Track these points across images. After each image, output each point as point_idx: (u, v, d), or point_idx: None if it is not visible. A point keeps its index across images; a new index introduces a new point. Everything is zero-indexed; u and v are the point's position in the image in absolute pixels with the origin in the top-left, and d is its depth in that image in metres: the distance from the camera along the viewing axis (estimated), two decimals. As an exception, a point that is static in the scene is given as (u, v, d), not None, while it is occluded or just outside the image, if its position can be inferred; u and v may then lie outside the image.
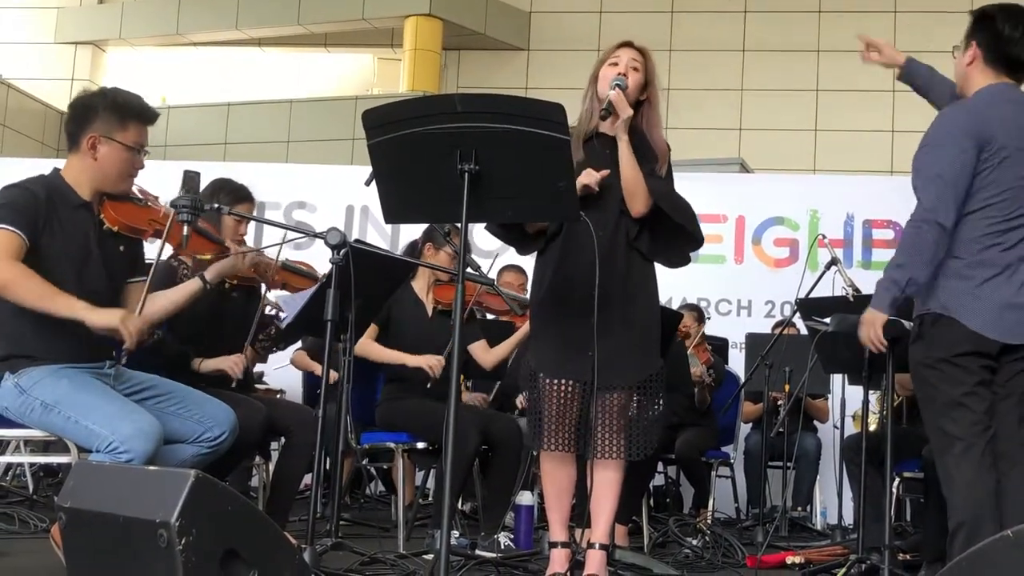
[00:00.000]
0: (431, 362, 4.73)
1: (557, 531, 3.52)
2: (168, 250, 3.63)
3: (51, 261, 3.21)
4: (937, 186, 3.19)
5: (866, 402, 4.40)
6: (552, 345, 3.48)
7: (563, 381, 3.44)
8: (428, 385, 4.70)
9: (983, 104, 3.29)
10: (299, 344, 6.24)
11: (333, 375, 3.93)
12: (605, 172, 3.41)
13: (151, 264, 3.48)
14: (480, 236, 7.06)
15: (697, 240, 3.55)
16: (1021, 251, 3.22)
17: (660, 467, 6.38)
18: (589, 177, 3.38)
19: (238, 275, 3.87)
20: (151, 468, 2.80)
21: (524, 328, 5.00)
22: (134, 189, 3.48)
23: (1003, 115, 3.26)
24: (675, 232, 3.49)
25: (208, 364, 4.08)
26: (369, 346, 4.83)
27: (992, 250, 3.22)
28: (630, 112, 3.42)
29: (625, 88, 3.44)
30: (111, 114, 3.33)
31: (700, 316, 6.40)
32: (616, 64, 3.52)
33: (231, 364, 4.06)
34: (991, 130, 3.22)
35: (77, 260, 3.28)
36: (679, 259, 3.61)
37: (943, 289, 3.25)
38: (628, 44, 3.58)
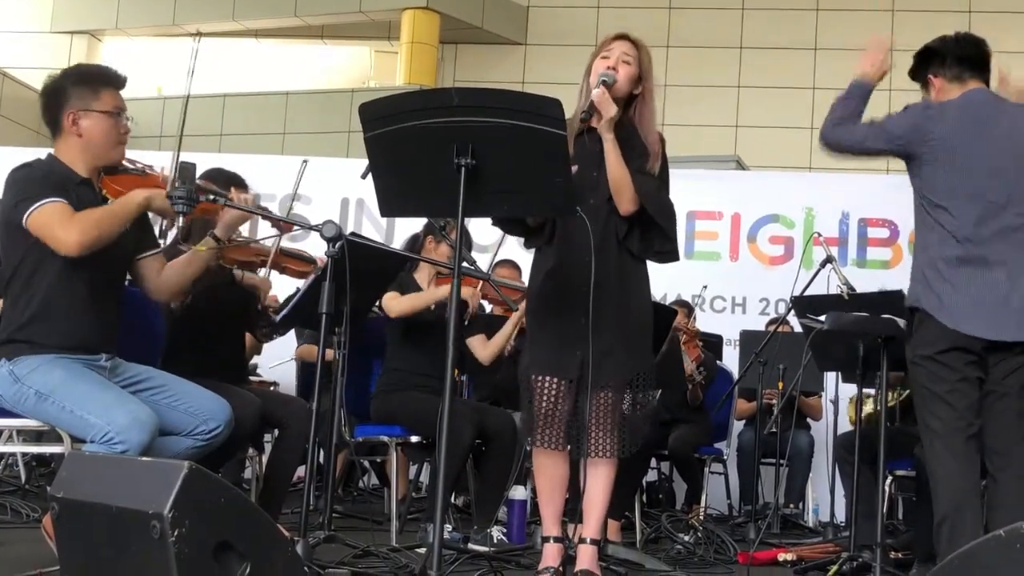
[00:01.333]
0: (466, 293, 4.74)
1: (550, 526, 3.52)
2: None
3: None
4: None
5: (859, 399, 4.41)
6: (544, 343, 3.49)
7: (552, 379, 3.44)
8: (466, 323, 4.72)
9: (946, 108, 3.44)
10: (291, 339, 6.23)
11: (329, 353, 3.93)
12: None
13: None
14: (477, 231, 7.06)
15: (671, 242, 3.51)
16: (989, 247, 3.25)
17: (653, 463, 6.38)
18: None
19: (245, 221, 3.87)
20: (144, 459, 2.80)
21: (515, 317, 5.02)
22: (126, 161, 3.49)
23: (953, 117, 3.39)
24: (662, 230, 3.49)
25: (250, 278, 4.19)
26: (402, 300, 4.79)
27: (959, 247, 3.27)
28: (614, 110, 3.37)
29: (612, 84, 3.40)
30: (81, 87, 3.36)
31: (689, 312, 6.40)
32: (607, 58, 3.50)
33: (266, 283, 4.18)
34: (940, 128, 3.37)
35: None
36: (668, 255, 3.58)
37: (919, 281, 3.33)
38: (622, 36, 3.55)
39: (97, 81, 3.39)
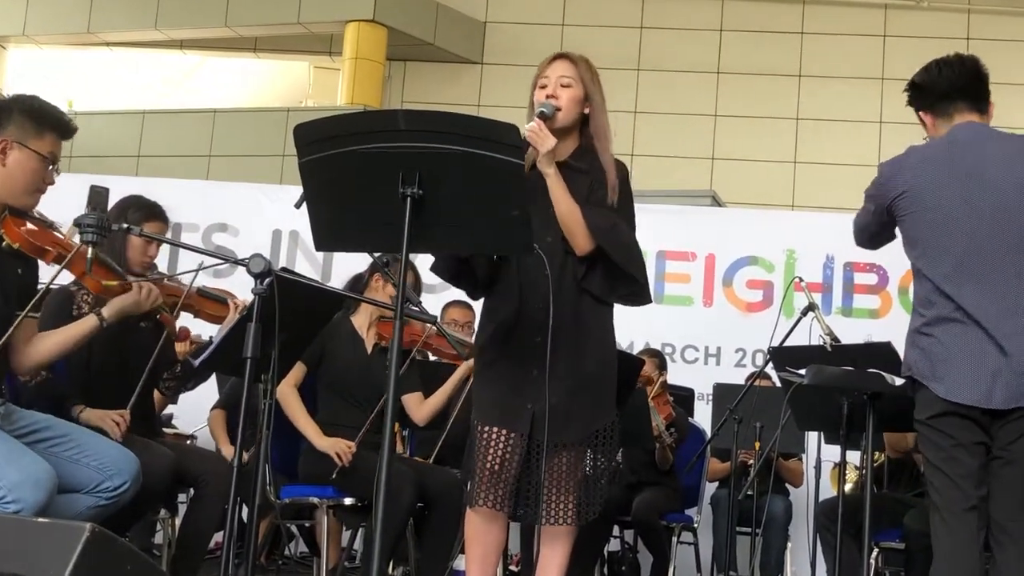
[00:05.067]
0: (340, 448, 4.68)
1: None
2: (65, 277, 3.61)
3: None
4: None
5: (843, 463, 4.44)
6: (493, 393, 3.48)
7: (501, 431, 3.42)
8: (332, 476, 4.67)
9: (910, 155, 3.50)
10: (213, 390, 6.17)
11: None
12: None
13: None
14: (425, 268, 7.04)
15: (638, 283, 3.50)
16: (969, 304, 3.27)
17: (616, 531, 6.37)
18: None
19: (141, 312, 3.84)
20: (40, 520, 2.75)
21: (459, 372, 5.00)
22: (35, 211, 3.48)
23: (923, 160, 3.44)
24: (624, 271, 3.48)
25: (89, 415, 3.97)
26: (288, 398, 4.80)
27: (938, 305, 3.30)
28: (551, 143, 3.36)
29: (551, 115, 3.41)
30: (27, 119, 3.36)
31: (661, 363, 6.41)
32: (545, 86, 3.50)
33: (112, 422, 3.91)
34: (903, 179, 3.42)
35: None
36: (637, 297, 3.58)
37: (910, 347, 3.35)
38: (557, 57, 3.56)
39: (47, 121, 3.40)
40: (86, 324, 3.64)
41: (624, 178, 3.53)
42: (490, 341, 3.53)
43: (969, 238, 3.31)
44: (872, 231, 3.63)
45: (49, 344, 3.54)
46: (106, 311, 3.65)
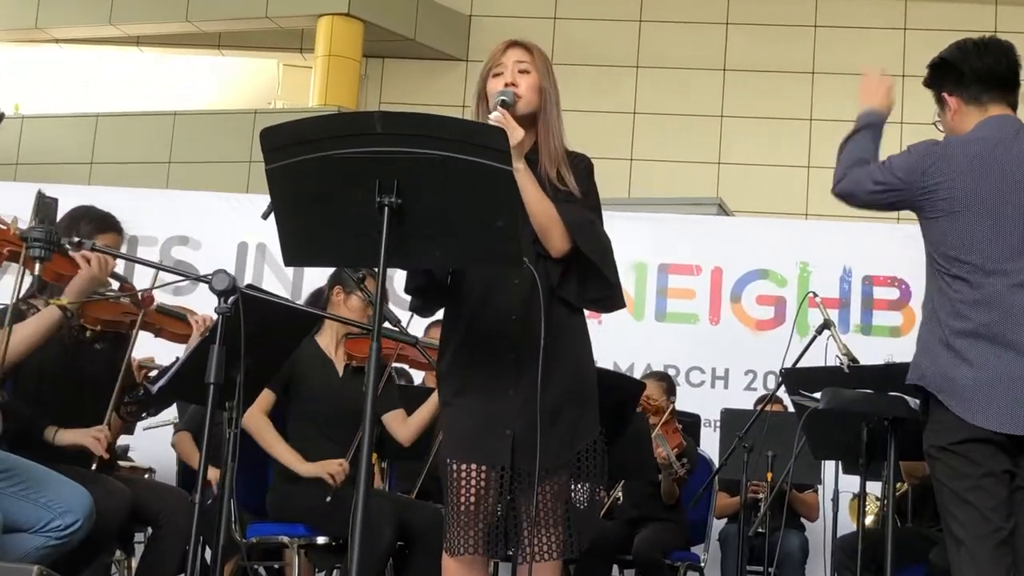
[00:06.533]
0: (331, 469, 4.69)
1: None
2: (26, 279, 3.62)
3: None
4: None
5: (862, 494, 4.44)
6: (466, 423, 3.43)
7: (475, 467, 3.38)
8: (328, 499, 4.66)
9: (951, 147, 3.45)
10: (171, 414, 6.16)
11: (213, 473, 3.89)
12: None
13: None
14: (401, 284, 7.05)
15: (609, 284, 3.45)
16: (1010, 317, 3.28)
17: (615, 571, 6.36)
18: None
19: (101, 285, 3.84)
20: (-17, 563, 2.75)
21: None
22: None
23: (973, 156, 3.39)
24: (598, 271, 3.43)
25: (65, 436, 4.02)
26: (260, 425, 4.79)
27: (974, 317, 3.30)
28: (520, 134, 3.32)
29: (512, 103, 3.38)
30: None
31: (669, 387, 6.40)
32: (501, 74, 3.48)
33: (93, 438, 3.96)
34: (945, 171, 3.38)
35: None
36: (609, 302, 3.53)
37: (925, 355, 3.34)
38: (512, 44, 3.54)
39: None
40: (48, 314, 3.65)
41: (589, 171, 3.52)
42: (455, 365, 3.48)
43: (1009, 242, 3.32)
44: (884, 199, 3.52)
45: (13, 342, 3.53)
46: (65, 297, 3.65)
